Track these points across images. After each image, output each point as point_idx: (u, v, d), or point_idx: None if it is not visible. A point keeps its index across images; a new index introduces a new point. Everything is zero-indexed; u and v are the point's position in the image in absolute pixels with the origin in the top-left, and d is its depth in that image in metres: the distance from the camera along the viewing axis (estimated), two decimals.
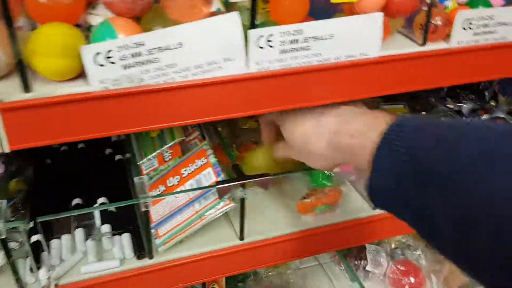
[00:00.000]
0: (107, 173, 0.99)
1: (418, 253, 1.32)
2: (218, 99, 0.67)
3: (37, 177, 0.98)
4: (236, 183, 0.80)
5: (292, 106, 0.72)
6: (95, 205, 0.89)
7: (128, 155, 1.02)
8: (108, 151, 1.05)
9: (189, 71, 0.65)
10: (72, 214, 0.82)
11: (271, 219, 0.94)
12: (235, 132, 1.18)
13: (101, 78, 0.61)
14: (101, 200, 0.91)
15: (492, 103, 1.20)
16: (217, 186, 0.80)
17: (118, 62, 0.61)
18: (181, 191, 0.84)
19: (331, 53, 0.71)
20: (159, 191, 0.88)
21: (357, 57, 0.72)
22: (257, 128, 1.20)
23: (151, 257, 0.85)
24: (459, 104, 1.18)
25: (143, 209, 0.77)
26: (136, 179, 0.78)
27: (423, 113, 1.15)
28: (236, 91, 0.68)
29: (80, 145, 1.07)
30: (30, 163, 1.02)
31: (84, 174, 0.99)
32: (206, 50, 0.64)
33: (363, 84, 0.75)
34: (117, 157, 1.03)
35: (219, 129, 1.13)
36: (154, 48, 0.61)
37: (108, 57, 0.60)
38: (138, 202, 0.75)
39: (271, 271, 1.28)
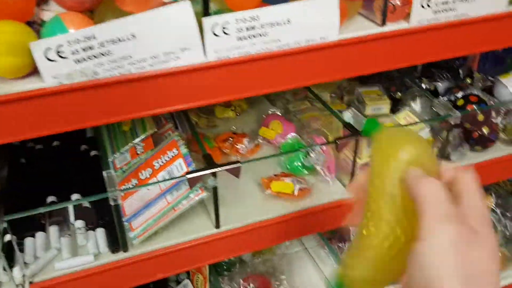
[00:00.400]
0: (82, 170, 0.98)
1: None
2: (177, 89, 0.67)
3: (11, 177, 0.98)
4: (205, 172, 0.80)
5: (255, 93, 0.72)
6: (65, 202, 0.89)
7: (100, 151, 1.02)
8: (83, 147, 1.05)
9: (145, 62, 0.64)
10: (41, 211, 0.81)
11: (247, 205, 0.95)
12: (213, 122, 1.18)
13: (54, 73, 0.61)
14: (75, 196, 0.91)
15: (468, 81, 1.20)
16: (187, 176, 0.80)
17: (70, 57, 0.61)
18: (150, 184, 0.84)
19: (290, 38, 0.70)
20: (131, 184, 0.88)
21: (317, 41, 0.72)
22: (235, 118, 1.20)
23: (126, 250, 0.85)
24: (434, 83, 1.18)
25: (113, 203, 0.77)
26: (104, 173, 0.78)
27: (398, 94, 1.14)
28: (195, 80, 0.68)
29: (55, 143, 1.07)
30: (4, 163, 1.02)
31: (59, 171, 0.99)
32: (161, 40, 0.64)
33: (326, 67, 0.74)
34: (93, 152, 1.03)
35: (195, 120, 1.13)
36: (106, 41, 0.61)
37: (59, 52, 0.60)
38: (106, 196, 0.75)
39: (257, 258, 1.29)
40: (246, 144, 1.05)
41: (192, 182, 0.81)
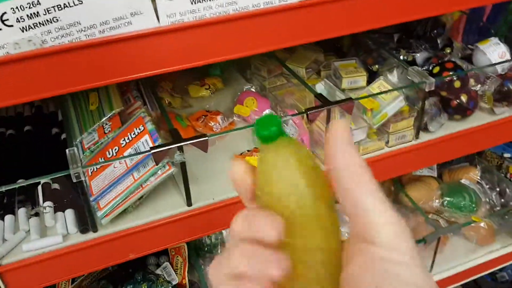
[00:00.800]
0: (52, 153, 0.97)
1: None
2: (130, 57, 0.65)
3: None
4: (170, 146, 0.78)
5: (212, 60, 0.70)
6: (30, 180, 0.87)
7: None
8: (54, 130, 1.03)
9: (95, 28, 0.62)
10: (3, 190, 0.79)
11: (220, 182, 0.93)
12: (187, 102, 1.16)
13: (0, 43, 0.59)
14: (44, 179, 0.90)
15: (447, 50, 1.17)
16: (152, 151, 0.78)
17: (15, 25, 0.59)
18: (114, 159, 0.82)
19: (247, 0, 0.68)
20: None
21: (276, 3, 0.70)
22: (209, 96, 1.18)
23: (95, 231, 0.83)
24: (413, 54, 1.16)
25: (75, 180, 0.75)
26: (67, 151, 0.77)
27: (375, 66, 1.12)
28: (149, 47, 0.66)
29: (27, 128, 1.05)
30: None
31: (30, 156, 0.97)
32: (110, 5, 0.61)
33: (287, 31, 0.72)
34: (64, 135, 1.01)
35: (169, 100, 1.11)
36: (52, 7, 0.59)
37: (4, 21, 0.58)
38: (67, 173, 0.73)
39: None
40: (220, 122, 1.03)
41: (157, 158, 0.79)
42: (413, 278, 0.31)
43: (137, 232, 0.85)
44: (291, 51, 1.20)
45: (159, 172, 0.82)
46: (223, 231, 1.21)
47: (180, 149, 0.80)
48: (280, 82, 1.15)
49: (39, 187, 0.89)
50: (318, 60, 1.18)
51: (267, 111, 1.05)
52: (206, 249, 1.21)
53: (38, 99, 0.64)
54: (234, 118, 1.08)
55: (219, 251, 1.22)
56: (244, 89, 1.12)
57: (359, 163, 0.33)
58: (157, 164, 0.81)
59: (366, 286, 0.32)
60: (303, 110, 0.98)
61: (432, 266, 1.19)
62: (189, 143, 0.80)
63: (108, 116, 0.91)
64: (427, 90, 0.94)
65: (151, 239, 0.88)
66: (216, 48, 0.69)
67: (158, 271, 1.08)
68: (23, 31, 0.59)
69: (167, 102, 1.10)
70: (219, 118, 1.04)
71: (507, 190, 1.31)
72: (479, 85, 1.08)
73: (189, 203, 0.88)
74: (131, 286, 1.01)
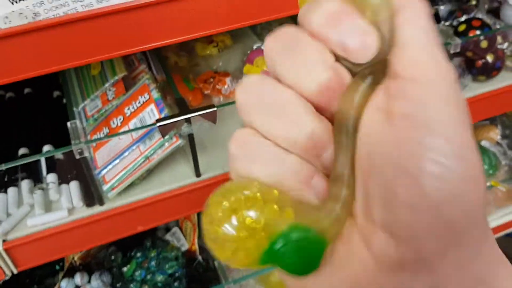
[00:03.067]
0: (54, 118, 0.92)
1: None
2: (131, 27, 0.59)
3: None
4: (177, 119, 0.74)
5: (226, 28, 0.64)
6: (36, 155, 0.83)
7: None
8: (56, 93, 0.99)
9: None
10: (11, 166, 0.76)
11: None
12: (194, 61, 1.09)
13: None
14: (47, 148, 0.86)
15: (473, 2, 1.09)
16: (157, 125, 0.73)
17: None
18: (118, 134, 0.78)
19: None
20: (103, 133, 0.82)
21: None
22: (218, 55, 1.12)
23: (101, 204, 0.80)
24: (436, 7, 1.08)
25: (78, 156, 0.71)
26: (68, 124, 0.72)
27: None
28: (151, 15, 0.60)
29: (27, 90, 1.00)
30: None
31: (31, 121, 0.93)
32: None
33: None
34: (65, 99, 0.96)
35: (175, 59, 1.05)
36: None
37: None
38: (70, 149, 0.69)
39: None
40: (229, 84, 0.98)
41: (163, 131, 0.75)
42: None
43: (145, 205, 0.82)
44: None
45: (166, 144, 0.78)
46: None
47: (188, 121, 0.75)
48: None
49: (42, 158, 0.85)
50: None
51: None
52: None
53: (33, 76, 0.58)
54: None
55: None
56: (254, 47, 1.05)
57: None
58: (163, 137, 0.76)
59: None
60: None
61: None
62: (197, 115, 0.75)
63: (111, 81, 0.85)
64: (452, 51, 0.88)
65: (159, 211, 0.85)
66: (233, 15, 0.63)
67: (167, 237, 1.06)
68: (13, 3, 0.53)
69: (173, 61, 1.04)
70: (227, 80, 0.98)
71: None
72: (506, 43, 1.01)
73: (197, 174, 0.84)
74: (141, 253, 0.99)
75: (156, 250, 1.00)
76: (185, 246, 1.04)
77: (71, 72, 0.93)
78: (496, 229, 1.25)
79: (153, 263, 0.97)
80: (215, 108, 0.75)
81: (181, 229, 1.08)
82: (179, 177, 0.84)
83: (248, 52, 1.05)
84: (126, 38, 0.60)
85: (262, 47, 1.05)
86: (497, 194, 1.18)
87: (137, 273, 0.97)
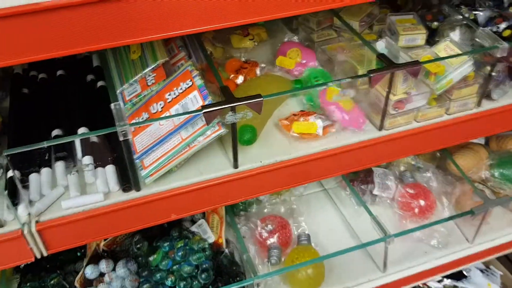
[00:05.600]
0: (88, 101, 0.91)
1: (428, 175, 1.25)
2: (167, 13, 0.58)
3: (13, 108, 0.90)
4: (224, 106, 0.72)
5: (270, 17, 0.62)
6: (72, 136, 0.82)
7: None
8: (89, 77, 0.97)
9: None
10: (45, 146, 0.74)
11: (268, 145, 0.87)
12: (229, 53, 1.08)
13: None
14: (82, 130, 0.84)
15: None
16: (203, 111, 0.72)
17: None
18: (163, 117, 0.76)
19: None
20: (142, 118, 0.81)
21: None
22: (253, 47, 1.10)
23: (138, 190, 0.79)
24: (475, 12, 1.06)
25: (122, 138, 0.69)
26: (112, 106, 0.70)
27: (435, 23, 1.03)
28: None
29: (59, 72, 0.99)
30: (5, 93, 0.94)
31: (64, 103, 0.91)
32: None
33: None
34: (100, 83, 0.95)
35: (210, 50, 1.04)
36: None
37: None
38: (114, 130, 0.68)
39: (275, 198, 1.23)
40: (258, 74, 0.96)
41: (208, 118, 0.73)
42: None
43: (181, 193, 0.80)
44: None
45: (209, 132, 0.77)
46: None
47: (233, 109, 0.74)
48: (330, 35, 1.07)
49: (77, 140, 0.84)
50: (373, 13, 1.09)
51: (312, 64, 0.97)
52: (241, 207, 1.18)
53: (67, 54, 0.57)
54: (277, 70, 1.00)
55: (254, 210, 1.18)
56: (286, 39, 1.04)
57: None
58: (208, 124, 0.75)
59: None
60: (361, 71, 0.91)
61: (474, 237, 1.15)
62: (245, 103, 0.73)
63: (152, 67, 0.84)
64: (498, 56, 0.86)
65: (195, 201, 0.83)
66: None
67: (194, 228, 1.04)
68: None
69: (208, 52, 1.02)
70: (257, 70, 0.97)
71: None
72: None
73: (235, 165, 0.83)
74: (168, 243, 0.97)
75: (183, 241, 0.98)
76: (211, 239, 1.03)
77: (110, 56, 0.92)
78: None
79: (179, 253, 0.96)
80: (262, 99, 0.74)
81: (207, 221, 1.06)
82: (216, 167, 0.83)
83: (279, 44, 1.04)
84: (163, 22, 0.58)
85: (294, 39, 1.04)
86: None
87: (163, 263, 0.95)
